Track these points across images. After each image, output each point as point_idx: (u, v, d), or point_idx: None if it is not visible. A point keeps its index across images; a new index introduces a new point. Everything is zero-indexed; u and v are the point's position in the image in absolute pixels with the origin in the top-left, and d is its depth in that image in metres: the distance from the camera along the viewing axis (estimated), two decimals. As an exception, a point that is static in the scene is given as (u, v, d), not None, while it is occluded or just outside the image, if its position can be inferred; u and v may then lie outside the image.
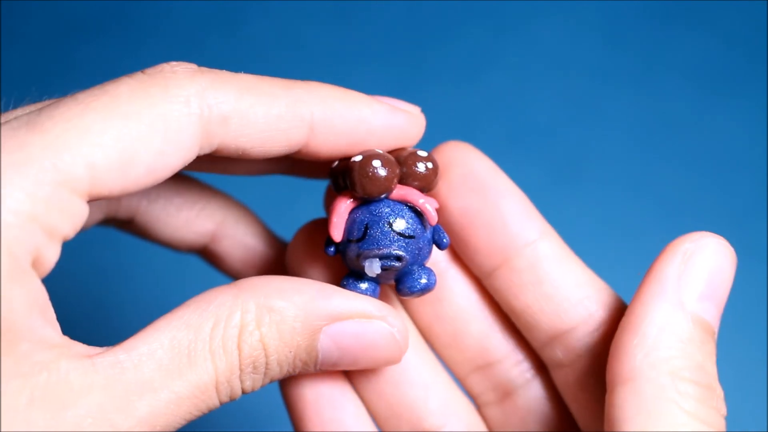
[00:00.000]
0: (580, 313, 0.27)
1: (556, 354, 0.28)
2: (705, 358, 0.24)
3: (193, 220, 0.31)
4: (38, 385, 0.21)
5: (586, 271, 0.28)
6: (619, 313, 0.27)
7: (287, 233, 0.33)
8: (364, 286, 0.27)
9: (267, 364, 0.24)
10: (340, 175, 0.27)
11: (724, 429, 0.23)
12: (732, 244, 0.25)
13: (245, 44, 0.64)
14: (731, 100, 0.61)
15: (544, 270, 0.27)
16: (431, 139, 0.29)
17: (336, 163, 0.27)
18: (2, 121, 0.23)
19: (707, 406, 0.23)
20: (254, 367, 0.24)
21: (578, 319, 0.27)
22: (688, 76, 0.62)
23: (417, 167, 0.26)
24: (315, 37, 0.64)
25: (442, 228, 0.27)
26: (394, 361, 0.27)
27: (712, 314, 0.24)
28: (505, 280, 0.28)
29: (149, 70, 0.24)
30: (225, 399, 0.24)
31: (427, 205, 0.26)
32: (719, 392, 0.24)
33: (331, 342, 0.25)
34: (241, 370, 0.24)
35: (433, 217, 0.26)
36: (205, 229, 0.31)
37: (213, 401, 0.24)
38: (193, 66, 0.24)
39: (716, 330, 0.25)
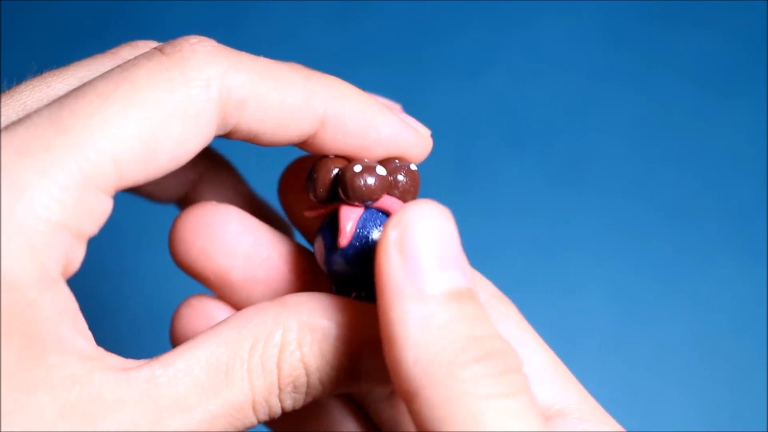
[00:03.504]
0: None
1: None
2: (473, 326, 0.21)
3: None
4: (69, 399, 0.20)
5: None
6: None
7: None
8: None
9: (308, 383, 0.23)
10: (319, 180, 0.26)
11: (527, 384, 0.21)
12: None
13: (245, 44, 0.63)
14: (731, 100, 0.61)
15: None
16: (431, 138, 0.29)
17: (323, 167, 0.26)
18: (11, 98, 0.23)
19: (499, 372, 0.20)
20: (294, 387, 0.23)
21: None
22: (688, 76, 0.62)
23: (402, 179, 0.26)
24: (315, 37, 0.64)
25: None
26: None
27: (457, 277, 0.21)
28: None
29: (167, 49, 0.23)
30: (263, 417, 0.23)
31: None
32: (504, 347, 0.21)
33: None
34: (280, 389, 0.23)
35: None
36: (188, 177, 0.30)
37: (250, 419, 0.23)
38: (213, 43, 0.24)
39: (472, 285, 0.22)
